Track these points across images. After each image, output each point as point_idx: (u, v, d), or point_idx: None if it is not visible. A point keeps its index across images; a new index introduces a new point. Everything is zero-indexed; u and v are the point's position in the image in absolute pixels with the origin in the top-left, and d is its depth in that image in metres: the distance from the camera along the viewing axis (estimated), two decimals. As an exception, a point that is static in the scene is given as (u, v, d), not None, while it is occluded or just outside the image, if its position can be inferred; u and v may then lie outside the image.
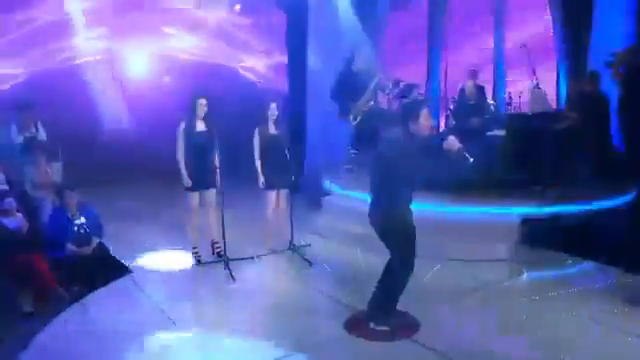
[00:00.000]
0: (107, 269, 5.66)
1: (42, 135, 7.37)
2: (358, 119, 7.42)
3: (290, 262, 5.82)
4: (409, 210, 4.18)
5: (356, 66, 7.54)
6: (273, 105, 5.93)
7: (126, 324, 4.40)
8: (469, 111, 7.44)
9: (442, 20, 10.07)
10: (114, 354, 3.93)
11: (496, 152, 6.56)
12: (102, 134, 8.98)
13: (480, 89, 7.77)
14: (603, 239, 5.57)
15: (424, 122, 4.08)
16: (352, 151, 7.86)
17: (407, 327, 4.26)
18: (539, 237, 5.85)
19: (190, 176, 5.67)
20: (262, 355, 3.89)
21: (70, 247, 5.62)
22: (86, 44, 8.83)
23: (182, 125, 5.66)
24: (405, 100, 4.45)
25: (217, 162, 5.82)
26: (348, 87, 7.43)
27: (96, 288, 5.24)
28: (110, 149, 8.65)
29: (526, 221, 5.96)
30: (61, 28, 8.70)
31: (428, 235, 5.65)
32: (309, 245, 6.15)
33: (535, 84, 7.54)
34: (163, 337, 4.21)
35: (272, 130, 5.92)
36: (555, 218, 5.97)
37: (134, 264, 5.77)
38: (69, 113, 8.86)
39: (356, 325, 4.31)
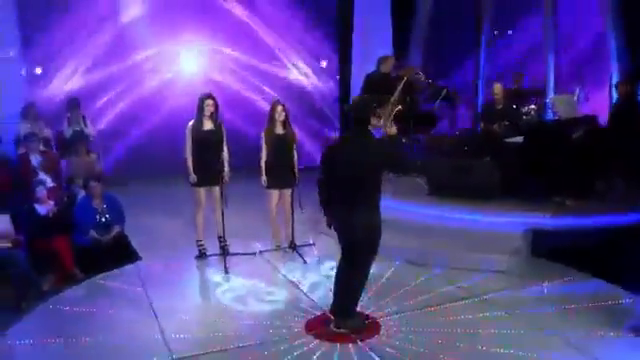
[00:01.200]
0: (122, 255, 6.21)
1: (89, 130, 8.14)
2: (387, 123, 7.43)
3: (287, 259, 6.02)
4: (368, 211, 4.18)
5: (384, 69, 7.59)
6: (279, 107, 6.16)
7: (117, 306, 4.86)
8: (495, 115, 7.25)
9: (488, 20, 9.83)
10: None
11: (515, 159, 6.35)
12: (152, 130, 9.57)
13: (514, 94, 7.55)
14: (616, 258, 5.29)
15: (376, 123, 4.13)
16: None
17: (366, 330, 4.35)
18: (549, 250, 5.66)
19: (196, 173, 6.03)
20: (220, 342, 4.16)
21: (92, 234, 6.19)
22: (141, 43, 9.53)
23: (190, 124, 6.03)
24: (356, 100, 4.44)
25: (227, 159, 6.15)
26: (375, 93, 7.49)
27: (109, 271, 5.77)
28: (157, 145, 9.24)
29: (536, 232, 5.77)
30: (119, 29, 9.44)
31: (430, 241, 5.82)
32: (313, 244, 6.32)
33: (580, 90, 7.26)
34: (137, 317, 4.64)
35: (279, 131, 6.16)
36: (568, 231, 5.71)
37: (146, 252, 6.21)
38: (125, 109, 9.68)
39: (316, 326, 4.46)
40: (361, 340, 4.20)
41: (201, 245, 6.20)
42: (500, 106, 7.33)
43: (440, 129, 8.73)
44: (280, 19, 10.33)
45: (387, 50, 9.16)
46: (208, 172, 6.02)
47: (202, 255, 6.16)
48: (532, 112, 7.49)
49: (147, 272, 5.76)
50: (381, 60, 7.85)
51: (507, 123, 6.96)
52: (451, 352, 4.01)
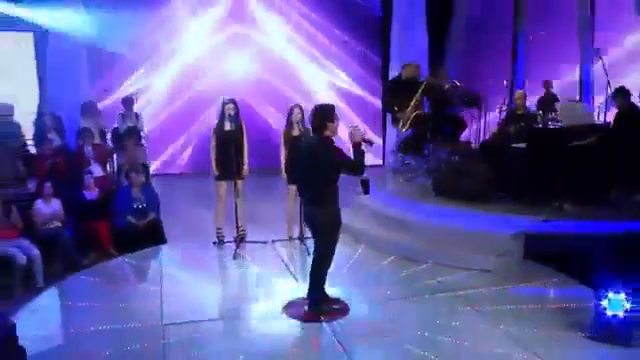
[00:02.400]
0: (153, 238, 7.11)
1: (141, 125, 9.17)
2: (406, 127, 7.93)
3: (294, 250, 6.67)
4: (322, 206, 4.71)
5: (405, 75, 8.06)
6: (297, 110, 6.82)
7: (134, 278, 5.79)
8: (514, 120, 7.52)
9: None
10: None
11: (517, 163, 6.63)
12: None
13: (544, 100, 7.75)
14: (601, 264, 5.47)
15: (329, 133, 4.67)
16: (399, 155, 8.39)
17: (336, 311, 4.92)
18: (540, 253, 5.92)
19: (218, 168, 6.83)
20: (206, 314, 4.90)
21: (129, 219, 7.14)
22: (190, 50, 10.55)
23: (214, 125, 6.84)
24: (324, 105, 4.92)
25: (246, 156, 6.90)
26: (397, 95, 8.00)
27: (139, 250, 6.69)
28: (202, 143, 10.11)
29: (529, 235, 6.04)
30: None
31: (426, 239, 6.27)
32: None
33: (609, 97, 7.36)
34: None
35: (296, 132, 6.81)
36: (560, 236, 5.96)
37: (175, 237, 7.09)
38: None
39: (294, 308, 5.08)
40: (326, 321, 4.77)
41: (219, 232, 6.97)
42: (521, 112, 7.58)
43: (470, 134, 9.00)
44: (326, 25, 10.98)
45: (422, 57, 9.57)
46: (228, 167, 6.78)
47: (220, 241, 6.93)
48: (558, 118, 7.64)
49: (168, 253, 6.67)
50: (404, 66, 8.30)
51: (523, 125, 7.20)
52: (400, 334, 4.51)
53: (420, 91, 7.93)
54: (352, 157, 4.68)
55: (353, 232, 6.94)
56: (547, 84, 8.80)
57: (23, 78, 9.58)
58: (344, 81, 11.30)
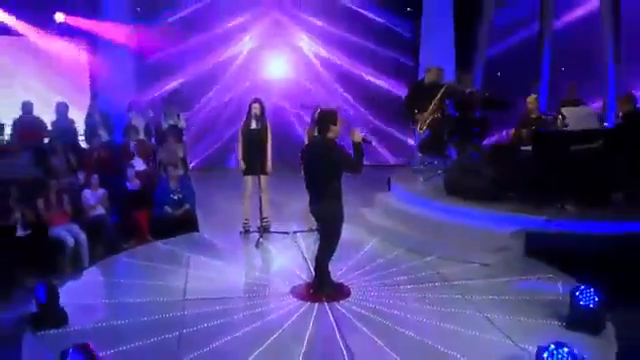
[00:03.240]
0: (187, 227, 7.94)
1: (182, 124, 10.05)
2: (423, 128, 8.47)
3: (312, 241, 7.29)
4: (326, 200, 5.35)
5: (427, 79, 8.59)
6: (319, 110, 7.47)
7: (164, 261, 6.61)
8: (527, 124, 7.94)
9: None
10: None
11: (524, 165, 7.07)
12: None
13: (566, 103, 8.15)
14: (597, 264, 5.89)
15: (332, 135, 5.30)
16: (419, 155, 8.93)
17: (337, 294, 5.56)
18: (540, 250, 6.37)
19: (244, 163, 7.57)
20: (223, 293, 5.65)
21: (166, 209, 7.99)
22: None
23: (241, 123, 7.58)
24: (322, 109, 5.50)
25: (269, 152, 7.61)
26: (417, 98, 8.54)
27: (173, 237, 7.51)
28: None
29: (529, 233, 6.49)
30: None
31: (434, 234, 6.83)
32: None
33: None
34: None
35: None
36: (560, 234, 6.39)
37: (206, 226, 7.91)
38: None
39: (301, 289, 5.76)
40: (327, 301, 5.42)
41: (245, 223, 7.71)
42: (534, 115, 7.99)
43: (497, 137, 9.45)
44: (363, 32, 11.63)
45: (449, 61, 10.07)
46: (253, 164, 7.51)
47: (246, 231, 7.66)
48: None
49: (198, 240, 7.49)
50: (426, 70, 8.84)
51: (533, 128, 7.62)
52: (391, 316, 5.11)
53: (439, 95, 8.40)
54: (353, 156, 5.30)
55: (369, 226, 7.60)
56: (571, 88, 9.11)
57: (76, 80, 10.68)
58: (377, 86, 11.88)
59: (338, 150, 5.23)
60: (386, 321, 5.05)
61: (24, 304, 5.66)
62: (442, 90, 8.42)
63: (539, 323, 4.97)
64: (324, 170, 5.31)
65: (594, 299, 4.81)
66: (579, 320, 4.83)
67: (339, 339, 4.74)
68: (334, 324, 5.01)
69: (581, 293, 4.85)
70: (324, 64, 11.91)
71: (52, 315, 4.88)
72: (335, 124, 5.28)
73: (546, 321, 5.00)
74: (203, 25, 11.37)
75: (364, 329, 4.92)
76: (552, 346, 3.88)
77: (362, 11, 11.83)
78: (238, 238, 7.52)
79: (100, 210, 7.79)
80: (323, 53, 11.89)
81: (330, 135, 5.29)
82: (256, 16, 11.68)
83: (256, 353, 4.50)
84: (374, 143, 5.56)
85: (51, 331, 4.78)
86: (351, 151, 5.33)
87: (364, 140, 5.32)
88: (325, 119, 5.31)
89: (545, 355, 3.87)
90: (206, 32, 11.43)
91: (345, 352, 4.53)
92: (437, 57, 10.13)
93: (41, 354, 4.47)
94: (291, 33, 11.74)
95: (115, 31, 10.57)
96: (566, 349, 3.84)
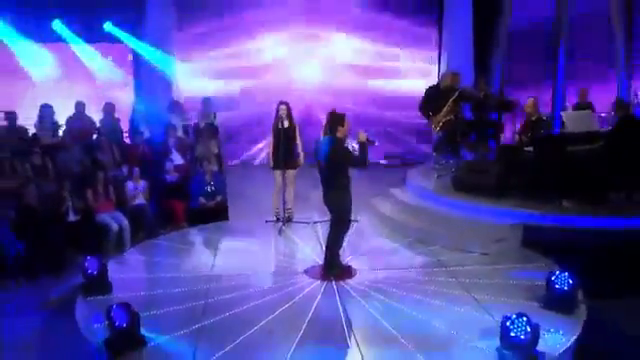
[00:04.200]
0: (219, 216, 8.92)
1: (216, 123, 11.05)
2: (437, 130, 9.24)
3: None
4: (335, 192, 6.22)
5: (443, 84, 9.35)
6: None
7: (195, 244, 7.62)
8: (526, 127, 8.64)
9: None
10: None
11: (527, 164, 7.77)
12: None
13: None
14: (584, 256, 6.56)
15: (341, 135, 6.13)
16: (434, 155, 9.69)
17: (345, 275, 6.41)
18: (536, 242, 7.07)
19: (273, 159, 8.48)
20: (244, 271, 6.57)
21: (201, 200, 8.99)
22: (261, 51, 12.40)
23: (273, 123, 8.50)
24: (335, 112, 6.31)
25: (299, 149, 8.49)
26: (432, 101, 9.31)
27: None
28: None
29: (527, 226, 7.19)
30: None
31: (439, 226, 7.59)
32: (357, 221, 8.34)
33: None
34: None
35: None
36: (555, 228, 7.08)
37: (236, 215, 8.88)
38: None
39: (313, 270, 6.62)
40: (335, 280, 6.27)
41: (277, 212, 8.59)
42: (534, 117, 8.66)
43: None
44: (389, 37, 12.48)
45: (467, 67, 10.80)
46: (281, 159, 8.41)
47: (277, 220, 8.52)
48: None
49: (228, 227, 8.47)
50: (443, 75, 9.59)
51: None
52: (389, 294, 5.92)
53: (453, 98, 9.14)
54: (359, 153, 6.14)
55: (381, 217, 8.42)
56: (582, 92, 9.72)
57: (121, 82, 11.88)
58: (406, 89, 12.71)
59: (343, 148, 6.08)
60: (383, 297, 5.87)
61: (74, 277, 6.72)
62: (455, 94, 9.13)
63: (520, 303, 5.64)
64: (332, 165, 6.16)
65: (568, 283, 5.50)
66: (554, 301, 5.53)
67: (340, 311, 5.58)
68: (338, 298, 5.86)
69: (557, 278, 5.55)
70: (352, 69, 12.76)
71: (100, 284, 5.87)
72: (343, 125, 6.13)
73: (527, 302, 5.68)
74: (238, 33, 12.35)
75: (363, 302, 5.75)
76: (514, 316, 4.62)
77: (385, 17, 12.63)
78: (263, 226, 8.41)
79: (141, 200, 8.82)
80: (351, 59, 12.75)
81: (338, 135, 6.13)
82: (288, 25, 12.62)
83: (268, 319, 5.38)
84: (377, 143, 6.35)
85: (98, 297, 5.77)
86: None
87: (368, 140, 6.14)
88: (334, 120, 6.16)
89: (508, 323, 4.61)
90: (240, 40, 12.41)
91: (344, 320, 5.38)
92: (456, 62, 10.85)
93: (90, 313, 5.45)
94: (319, 41, 12.67)
95: (158, 37, 11.67)
96: (525, 318, 4.58)
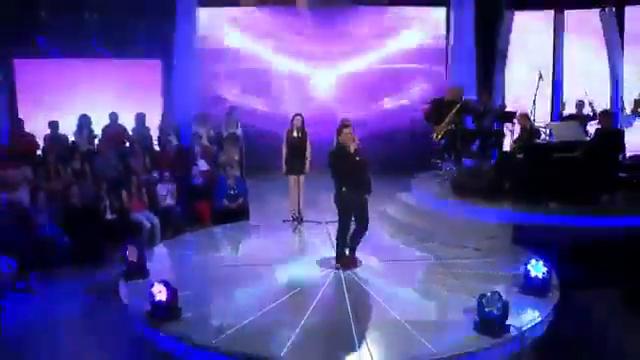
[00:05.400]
0: (240, 216, 10.01)
1: (239, 132, 12.20)
2: (438, 138, 10.27)
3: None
4: (351, 192, 7.22)
5: (447, 97, 10.39)
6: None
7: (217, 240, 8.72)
8: (518, 139, 9.65)
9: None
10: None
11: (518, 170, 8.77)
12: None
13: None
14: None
15: (344, 136, 7.20)
16: (436, 161, 10.73)
17: (351, 265, 7.44)
18: (525, 240, 8.03)
19: (287, 165, 9.57)
20: (262, 262, 7.61)
21: (224, 201, 10.09)
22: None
23: (285, 132, 9.59)
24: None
25: (309, 156, 9.56)
26: (436, 112, 10.35)
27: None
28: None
29: (516, 225, 8.16)
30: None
31: (439, 225, 8.59)
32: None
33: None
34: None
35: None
36: (540, 226, 8.04)
37: (256, 215, 9.99)
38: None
39: (324, 261, 7.67)
40: (343, 269, 7.31)
41: (293, 212, 9.62)
42: (527, 128, 9.63)
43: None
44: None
45: (471, 78, 11.86)
46: (294, 165, 9.48)
47: (294, 219, 9.55)
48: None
49: (248, 226, 9.56)
50: (447, 89, 10.66)
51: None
52: (388, 280, 6.96)
53: (454, 110, 10.16)
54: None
55: (388, 218, 9.42)
56: (579, 104, 10.72)
57: (151, 94, 13.11)
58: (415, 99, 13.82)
59: (335, 153, 7.21)
60: (383, 285, 6.90)
61: (112, 267, 7.91)
62: (457, 106, 10.15)
63: (501, 288, 6.47)
64: (330, 167, 7.25)
65: (542, 270, 6.46)
66: (530, 286, 6.49)
67: (345, 294, 6.62)
68: (344, 284, 6.89)
69: (532, 265, 6.51)
70: (368, 81, 13.91)
71: (139, 269, 6.98)
72: (340, 133, 7.27)
73: (509, 288, 6.61)
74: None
75: (366, 288, 6.78)
76: (488, 294, 5.61)
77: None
78: (280, 225, 9.47)
79: (170, 201, 9.95)
80: (367, 70, 13.90)
81: (340, 139, 7.22)
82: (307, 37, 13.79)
83: (280, 300, 6.44)
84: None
85: (139, 280, 6.87)
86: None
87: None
88: (338, 128, 7.29)
89: (482, 300, 5.60)
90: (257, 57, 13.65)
91: (348, 302, 6.40)
92: (461, 77, 11.92)
93: (132, 294, 6.54)
94: (336, 53, 13.80)
95: (184, 54, 12.89)
96: (497, 296, 5.57)
